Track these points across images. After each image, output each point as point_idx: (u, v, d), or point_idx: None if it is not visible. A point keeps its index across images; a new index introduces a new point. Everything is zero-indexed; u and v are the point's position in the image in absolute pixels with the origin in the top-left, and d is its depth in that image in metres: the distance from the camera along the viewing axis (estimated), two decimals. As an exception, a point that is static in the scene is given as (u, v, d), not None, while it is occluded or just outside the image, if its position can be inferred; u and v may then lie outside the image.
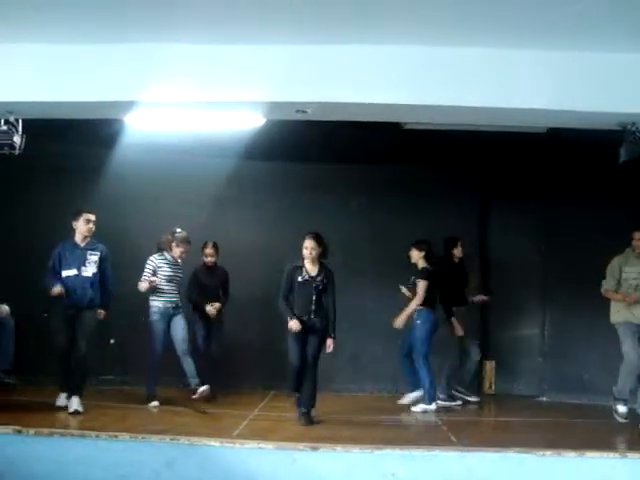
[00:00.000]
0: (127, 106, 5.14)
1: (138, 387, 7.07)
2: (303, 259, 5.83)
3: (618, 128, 5.03)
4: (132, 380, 7.31)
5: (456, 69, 4.80)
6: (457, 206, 7.86)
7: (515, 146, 6.89)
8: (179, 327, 6.67)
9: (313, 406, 5.87)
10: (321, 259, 5.88)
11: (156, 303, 6.70)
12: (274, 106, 5.08)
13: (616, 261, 6.39)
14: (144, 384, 6.71)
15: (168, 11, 4.39)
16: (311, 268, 5.83)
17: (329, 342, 5.81)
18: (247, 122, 5.70)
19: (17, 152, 5.21)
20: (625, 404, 6.14)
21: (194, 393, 6.56)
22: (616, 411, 6.16)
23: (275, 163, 7.83)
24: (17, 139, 5.16)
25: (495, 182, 7.92)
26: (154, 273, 6.71)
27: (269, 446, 4.91)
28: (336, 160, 7.73)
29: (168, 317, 6.68)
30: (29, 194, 7.49)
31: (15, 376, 6.80)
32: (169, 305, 6.70)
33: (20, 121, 5.19)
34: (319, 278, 5.81)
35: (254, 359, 7.50)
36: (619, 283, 6.34)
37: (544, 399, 7.68)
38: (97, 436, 4.91)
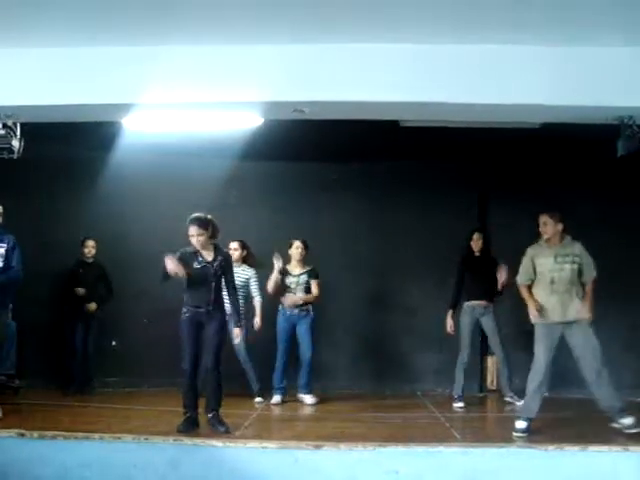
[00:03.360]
0: (125, 108, 5.16)
1: (140, 388, 7.11)
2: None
3: (615, 122, 5.04)
4: (134, 382, 7.33)
5: (453, 66, 4.81)
6: (455, 203, 7.86)
7: (512, 142, 6.89)
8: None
9: (219, 406, 5.38)
10: (212, 241, 5.40)
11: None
12: (271, 106, 5.09)
13: (528, 253, 5.57)
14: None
15: (165, 13, 4.41)
16: (206, 253, 5.36)
17: (236, 331, 5.51)
18: (245, 122, 5.71)
19: (16, 156, 5.22)
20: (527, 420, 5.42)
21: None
22: (514, 429, 5.38)
23: (274, 163, 7.83)
24: (15, 143, 5.17)
25: (493, 178, 7.92)
26: None
27: (272, 445, 4.92)
28: (334, 159, 7.73)
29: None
30: (28, 197, 7.50)
31: (18, 379, 6.82)
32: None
33: (18, 125, 5.20)
34: (215, 264, 5.35)
35: (254, 359, 7.50)
36: (534, 278, 5.53)
37: (546, 394, 7.66)
38: (101, 438, 4.93)
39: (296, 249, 7.00)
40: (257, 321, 6.95)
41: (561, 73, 4.84)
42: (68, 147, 7.30)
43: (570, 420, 6.30)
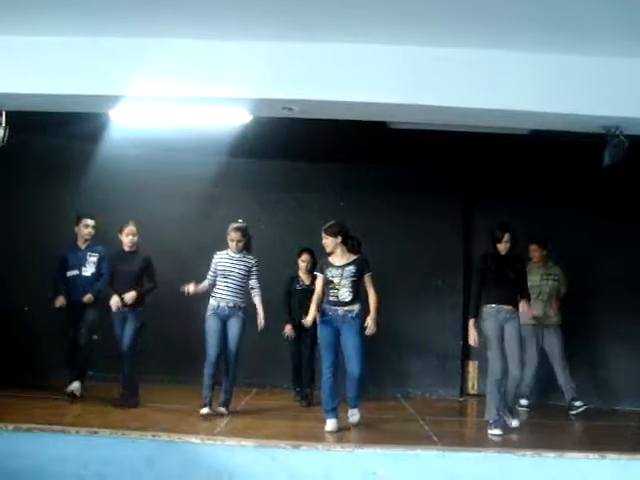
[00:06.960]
0: (113, 100, 5.11)
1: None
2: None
3: (602, 131, 5.07)
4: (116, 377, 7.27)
5: (442, 69, 4.81)
6: (441, 206, 7.88)
7: (500, 147, 6.92)
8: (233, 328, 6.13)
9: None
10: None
11: (210, 301, 6.20)
12: (261, 103, 5.07)
13: None
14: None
15: (156, 6, 4.38)
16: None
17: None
18: (234, 119, 5.69)
19: (1, 144, 5.16)
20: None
21: None
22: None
23: (261, 161, 7.81)
24: (1, 131, 5.11)
25: (479, 183, 7.95)
26: (214, 271, 6.21)
27: (250, 444, 4.90)
28: (322, 159, 7.72)
29: (224, 317, 6.13)
30: (16, 189, 7.43)
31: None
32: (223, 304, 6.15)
33: (4, 113, 5.14)
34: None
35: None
36: None
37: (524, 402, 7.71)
38: (77, 432, 4.88)
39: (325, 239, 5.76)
40: (260, 320, 6.10)
41: (551, 81, 4.85)
42: (54, 137, 7.24)
43: (548, 427, 6.34)
